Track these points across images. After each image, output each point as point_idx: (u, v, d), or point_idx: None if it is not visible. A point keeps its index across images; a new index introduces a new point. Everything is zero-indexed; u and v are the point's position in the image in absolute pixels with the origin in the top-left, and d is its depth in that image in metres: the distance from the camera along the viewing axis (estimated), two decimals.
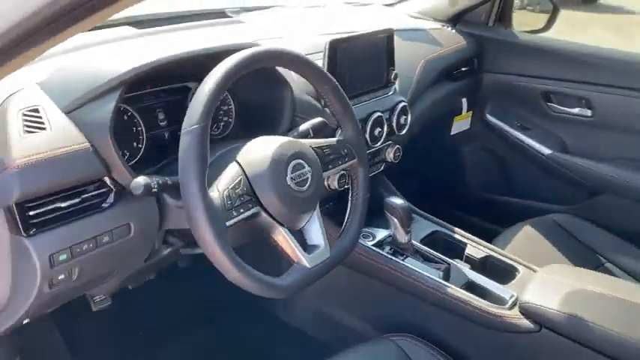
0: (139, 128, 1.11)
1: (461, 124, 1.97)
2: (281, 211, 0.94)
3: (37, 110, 0.90)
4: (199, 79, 1.22)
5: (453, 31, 1.96)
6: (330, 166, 1.06)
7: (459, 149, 2.11)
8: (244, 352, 1.57)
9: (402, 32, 1.65)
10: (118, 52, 1.06)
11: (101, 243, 0.93)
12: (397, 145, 1.49)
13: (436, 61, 1.72)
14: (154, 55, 0.99)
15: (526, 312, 1.14)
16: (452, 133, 1.97)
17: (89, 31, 0.85)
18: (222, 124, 1.28)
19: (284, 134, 1.17)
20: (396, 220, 1.30)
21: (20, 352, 1.29)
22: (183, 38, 1.29)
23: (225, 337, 1.61)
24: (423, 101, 1.66)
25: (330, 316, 1.47)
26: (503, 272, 1.33)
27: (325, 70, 1.21)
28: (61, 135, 0.88)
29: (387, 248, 1.36)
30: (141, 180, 0.87)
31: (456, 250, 1.41)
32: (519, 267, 1.33)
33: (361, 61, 1.37)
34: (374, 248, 1.35)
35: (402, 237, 1.32)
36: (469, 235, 1.45)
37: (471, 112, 2.00)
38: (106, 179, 0.94)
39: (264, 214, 0.93)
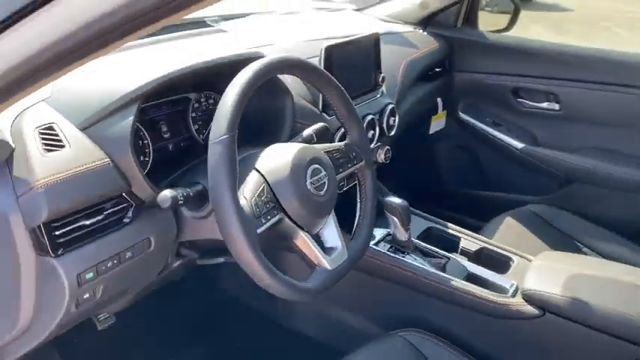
0: (145, 141, 1.10)
1: (437, 123, 2.04)
2: (302, 216, 0.96)
3: (52, 128, 0.88)
4: (198, 90, 1.24)
5: (425, 33, 2.02)
6: (341, 170, 1.08)
7: (436, 147, 2.18)
8: None
9: (381, 36, 1.69)
10: (123, 66, 1.05)
11: (124, 259, 0.93)
12: (387, 147, 1.53)
13: (415, 63, 1.77)
14: (166, 68, 0.99)
15: (529, 298, 1.19)
16: (430, 132, 2.03)
17: None
18: None
19: (287, 140, 1.19)
20: (396, 219, 1.33)
21: None
22: (177, 49, 1.28)
23: (230, 350, 1.60)
24: (405, 102, 1.71)
25: (332, 317, 1.49)
26: (498, 263, 1.38)
27: None
28: (81, 152, 0.87)
29: (387, 246, 1.39)
30: (168, 193, 0.87)
31: (451, 244, 1.45)
32: (513, 257, 1.39)
33: (352, 66, 1.40)
34: (375, 247, 1.38)
35: (402, 235, 1.36)
36: (461, 229, 1.50)
37: (445, 111, 2.07)
38: (124, 194, 0.93)
39: (286, 220, 0.95)
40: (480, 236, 1.48)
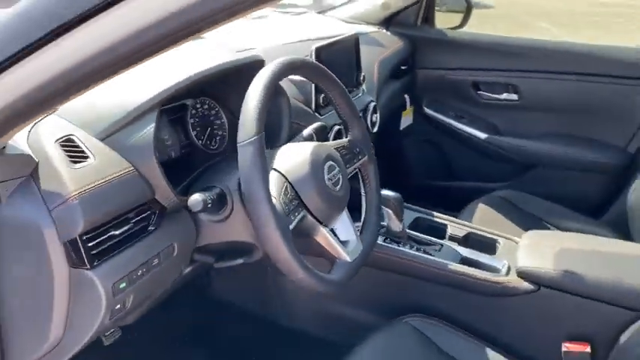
0: None
1: (407, 119, 2.12)
2: (323, 211, 0.99)
3: (71, 140, 0.87)
4: (194, 97, 1.24)
5: (388, 32, 2.10)
6: (348, 165, 1.12)
7: (406, 142, 2.26)
8: None
9: None
10: (126, 78, 1.04)
11: (152, 266, 0.93)
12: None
13: (386, 62, 1.84)
14: (177, 75, 0.99)
15: (524, 275, 1.27)
16: (401, 128, 2.10)
17: None
18: (218, 137, 1.29)
19: (287, 140, 1.21)
20: (390, 211, 1.38)
21: None
22: (172, 58, 1.28)
23: (231, 355, 1.60)
24: (380, 100, 1.77)
25: (333, 313, 1.51)
26: (486, 245, 1.46)
27: None
28: (106, 162, 0.87)
29: (382, 238, 1.44)
30: (198, 197, 0.88)
31: (439, 232, 1.52)
32: (499, 239, 1.47)
33: (337, 65, 1.44)
34: None
35: (396, 226, 1.41)
36: (447, 217, 1.57)
37: (412, 107, 2.15)
38: (147, 202, 0.93)
39: (309, 216, 0.98)
40: (464, 222, 1.56)
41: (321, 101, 1.35)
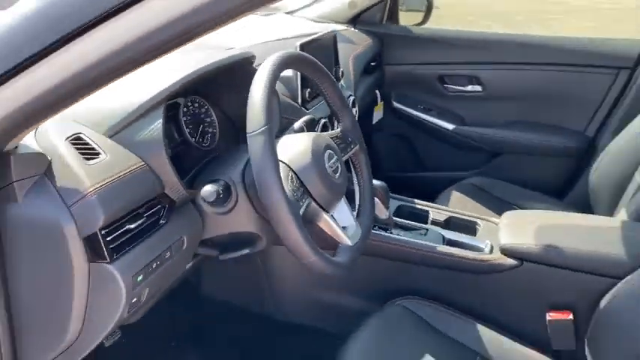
0: None
1: (378, 113, 2.18)
2: (325, 198, 1.03)
3: (80, 138, 0.88)
4: (184, 95, 1.26)
5: (356, 30, 2.16)
6: (342, 154, 1.17)
7: (377, 137, 2.33)
8: None
9: None
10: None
11: (164, 259, 0.94)
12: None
13: (359, 58, 1.90)
14: (178, 73, 1.02)
15: (507, 252, 1.35)
16: (373, 123, 2.16)
17: None
18: (209, 135, 1.31)
19: (280, 134, 1.25)
20: (377, 199, 1.43)
21: None
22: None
23: (228, 352, 1.61)
24: (356, 95, 1.83)
25: (325, 303, 1.55)
26: (467, 228, 1.54)
27: (299, 72, 1.32)
28: (118, 158, 0.88)
29: None
30: (210, 187, 0.91)
31: (422, 217, 1.59)
32: (479, 221, 1.55)
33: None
34: None
35: (383, 214, 1.46)
36: (427, 203, 1.64)
37: (382, 102, 2.22)
38: (157, 196, 0.95)
39: (313, 203, 1.01)
40: (444, 207, 1.64)
41: (307, 96, 1.40)
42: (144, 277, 0.89)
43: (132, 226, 0.88)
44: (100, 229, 0.82)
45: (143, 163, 0.91)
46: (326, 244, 1.08)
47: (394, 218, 1.52)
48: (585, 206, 1.85)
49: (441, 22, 2.40)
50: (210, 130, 1.31)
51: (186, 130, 1.24)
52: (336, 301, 1.54)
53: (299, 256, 0.93)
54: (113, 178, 0.85)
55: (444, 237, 1.48)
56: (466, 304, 1.38)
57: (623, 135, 1.79)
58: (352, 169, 1.25)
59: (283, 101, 1.32)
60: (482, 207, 1.85)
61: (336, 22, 2.18)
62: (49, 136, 0.86)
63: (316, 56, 1.47)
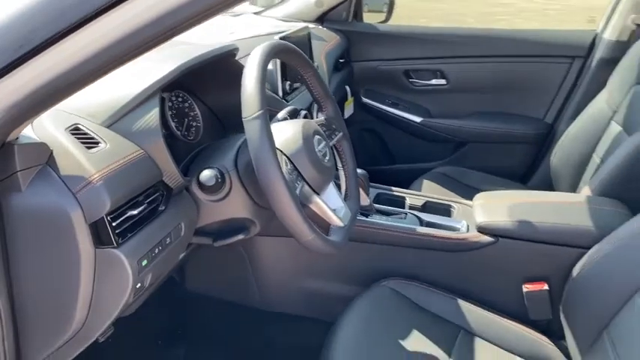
0: None
1: (349, 109, 2.24)
2: (317, 181, 1.07)
3: (78, 128, 0.90)
4: (169, 90, 1.28)
5: (325, 28, 2.22)
6: (328, 140, 1.21)
7: (349, 131, 2.38)
8: (242, 353, 1.60)
9: None
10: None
11: (165, 245, 0.96)
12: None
13: (330, 54, 1.95)
14: (170, 64, 1.04)
15: (484, 229, 1.42)
16: (345, 118, 2.22)
17: None
18: (193, 129, 1.33)
19: None
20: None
21: None
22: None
23: (217, 346, 1.63)
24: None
25: (310, 291, 1.58)
26: (443, 211, 1.61)
27: (279, 65, 1.36)
28: (118, 146, 0.90)
29: None
30: (209, 172, 0.94)
31: (400, 204, 1.65)
32: (453, 204, 1.62)
33: None
34: None
35: (364, 201, 1.52)
36: (403, 190, 1.70)
37: (352, 97, 2.28)
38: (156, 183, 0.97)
39: (306, 186, 1.06)
40: (419, 193, 1.70)
41: (287, 88, 1.44)
42: (148, 262, 0.91)
43: (134, 212, 0.90)
44: (107, 215, 0.84)
45: (142, 150, 0.93)
46: (317, 226, 1.12)
47: (376, 205, 1.57)
48: (548, 188, 1.96)
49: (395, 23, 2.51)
50: (195, 124, 1.34)
51: (173, 124, 1.26)
52: (322, 288, 1.58)
53: (297, 234, 0.96)
54: (117, 164, 0.86)
55: (422, 220, 1.54)
56: (447, 281, 1.45)
57: (579, 119, 1.91)
58: (337, 156, 1.30)
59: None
60: (453, 193, 1.93)
61: (304, 21, 2.23)
62: (47, 128, 0.87)
63: None
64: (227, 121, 1.35)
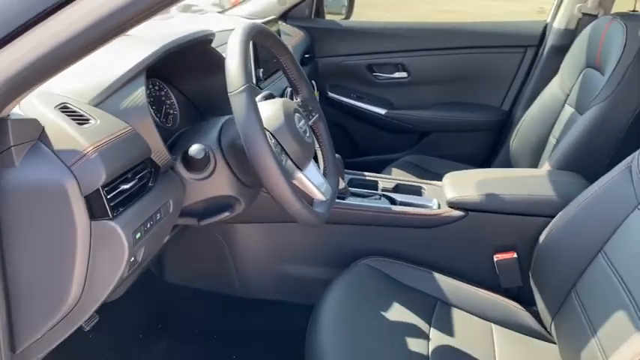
0: None
1: None
2: (300, 156, 1.11)
3: (67, 106, 0.91)
4: (149, 76, 1.30)
5: (289, 25, 2.27)
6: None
7: None
8: (225, 341, 1.61)
9: None
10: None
11: (156, 220, 0.98)
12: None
13: (296, 49, 2.01)
14: (155, 44, 1.07)
15: (454, 204, 1.49)
16: None
17: None
18: (170, 117, 1.35)
19: None
20: None
21: None
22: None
23: (198, 336, 1.63)
24: None
25: (290, 276, 1.61)
26: (414, 192, 1.67)
27: (252, 53, 1.40)
28: (108, 123, 0.92)
29: None
30: (198, 146, 0.97)
31: (372, 187, 1.70)
32: (424, 185, 1.69)
33: None
34: None
35: (340, 184, 1.56)
36: (375, 174, 1.76)
37: (318, 92, 2.33)
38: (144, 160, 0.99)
39: (289, 161, 1.10)
40: (390, 176, 1.77)
41: (261, 75, 1.48)
42: (141, 235, 0.93)
43: (126, 186, 0.92)
44: (102, 186, 0.86)
45: (131, 127, 0.95)
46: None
47: (349, 188, 1.62)
48: None
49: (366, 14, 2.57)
50: (172, 111, 1.36)
51: (151, 111, 1.28)
52: (302, 272, 1.61)
53: (285, 204, 1.00)
54: (109, 138, 0.88)
55: (395, 200, 1.60)
56: (423, 256, 1.51)
57: (535, 105, 2.02)
58: (314, 136, 1.34)
59: None
60: (419, 179, 2.00)
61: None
62: (37, 106, 0.88)
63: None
64: (204, 107, 1.37)
